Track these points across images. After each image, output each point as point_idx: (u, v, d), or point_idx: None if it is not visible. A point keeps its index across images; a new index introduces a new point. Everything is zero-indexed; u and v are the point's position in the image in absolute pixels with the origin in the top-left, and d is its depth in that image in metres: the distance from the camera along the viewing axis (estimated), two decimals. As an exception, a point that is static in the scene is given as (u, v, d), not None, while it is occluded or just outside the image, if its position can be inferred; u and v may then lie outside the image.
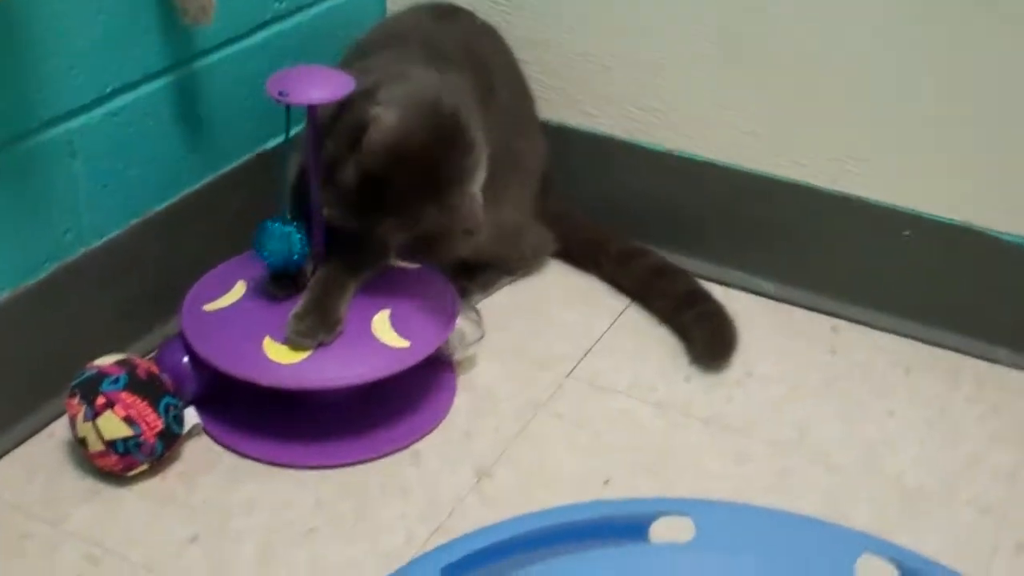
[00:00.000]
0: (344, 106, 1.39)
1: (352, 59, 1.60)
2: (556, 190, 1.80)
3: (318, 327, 1.39)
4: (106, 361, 1.37)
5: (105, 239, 1.48)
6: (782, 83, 1.66)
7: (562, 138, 1.81)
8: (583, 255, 1.80)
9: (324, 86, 1.38)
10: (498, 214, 1.61)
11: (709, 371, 1.61)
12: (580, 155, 1.82)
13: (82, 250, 1.45)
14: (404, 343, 1.43)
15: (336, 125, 1.40)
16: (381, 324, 1.45)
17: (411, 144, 1.37)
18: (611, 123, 1.79)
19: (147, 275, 1.54)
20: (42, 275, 1.40)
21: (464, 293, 1.64)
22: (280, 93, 1.35)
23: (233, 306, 1.46)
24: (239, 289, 1.48)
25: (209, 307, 1.47)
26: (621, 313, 1.72)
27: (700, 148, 1.75)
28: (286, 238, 1.41)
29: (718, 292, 1.73)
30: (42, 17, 1.31)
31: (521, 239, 1.74)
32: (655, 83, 1.74)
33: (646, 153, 1.78)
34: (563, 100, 1.81)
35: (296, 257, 1.42)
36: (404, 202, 1.39)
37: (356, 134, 1.36)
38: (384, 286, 1.50)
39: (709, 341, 1.63)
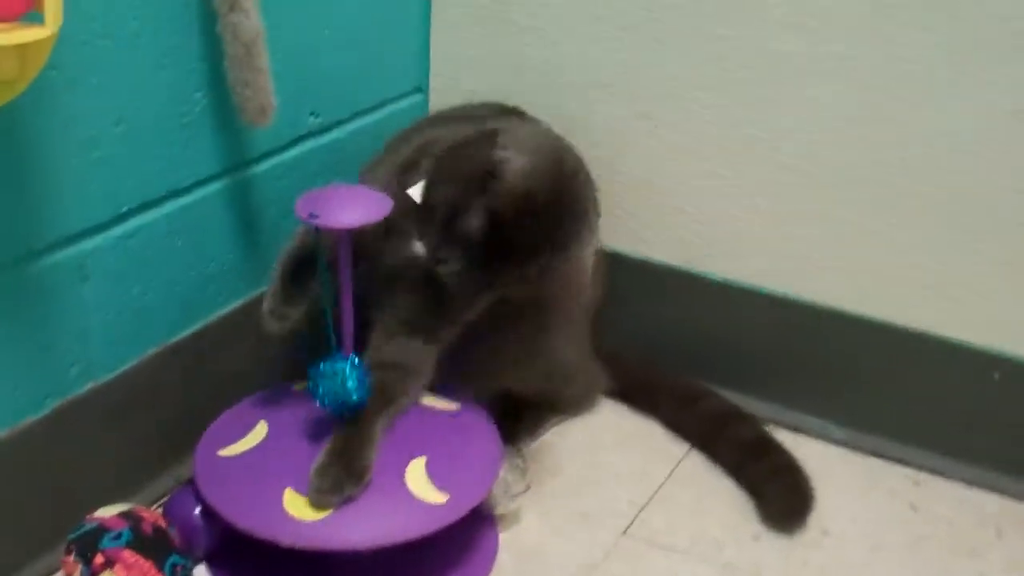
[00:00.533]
0: (458, 152, 1.30)
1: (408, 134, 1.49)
2: (611, 323, 1.66)
3: (343, 480, 1.24)
4: (108, 512, 1.23)
5: (116, 373, 1.34)
6: (854, 209, 1.53)
7: (614, 266, 1.68)
8: (641, 396, 1.66)
9: (359, 208, 1.25)
10: (549, 347, 1.51)
11: (782, 532, 1.45)
12: (633, 284, 1.69)
13: (90, 384, 1.31)
14: (441, 498, 1.27)
15: (453, 170, 1.29)
16: (416, 474, 1.29)
17: (543, 190, 1.26)
18: (667, 250, 1.66)
19: (162, 413, 1.40)
20: (44, 412, 1.26)
21: (510, 436, 1.49)
22: (310, 215, 1.23)
23: (252, 451, 1.32)
24: (260, 431, 1.34)
25: (225, 452, 1.32)
26: (681, 460, 1.57)
27: (763, 279, 1.62)
28: (338, 375, 1.26)
29: (785, 439, 1.59)
30: (53, 124, 1.19)
31: (574, 376, 1.60)
32: (714, 208, 1.61)
33: (705, 283, 1.65)
34: (615, 225, 1.67)
35: (355, 397, 1.27)
36: (532, 250, 1.26)
37: (482, 178, 1.24)
38: (420, 429, 1.36)
39: (783, 499, 1.48)
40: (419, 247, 1.31)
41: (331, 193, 1.27)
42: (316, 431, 1.33)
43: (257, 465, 1.30)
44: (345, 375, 1.26)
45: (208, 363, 1.44)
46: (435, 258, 1.28)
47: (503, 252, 1.25)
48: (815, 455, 1.57)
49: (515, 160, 1.24)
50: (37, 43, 0.97)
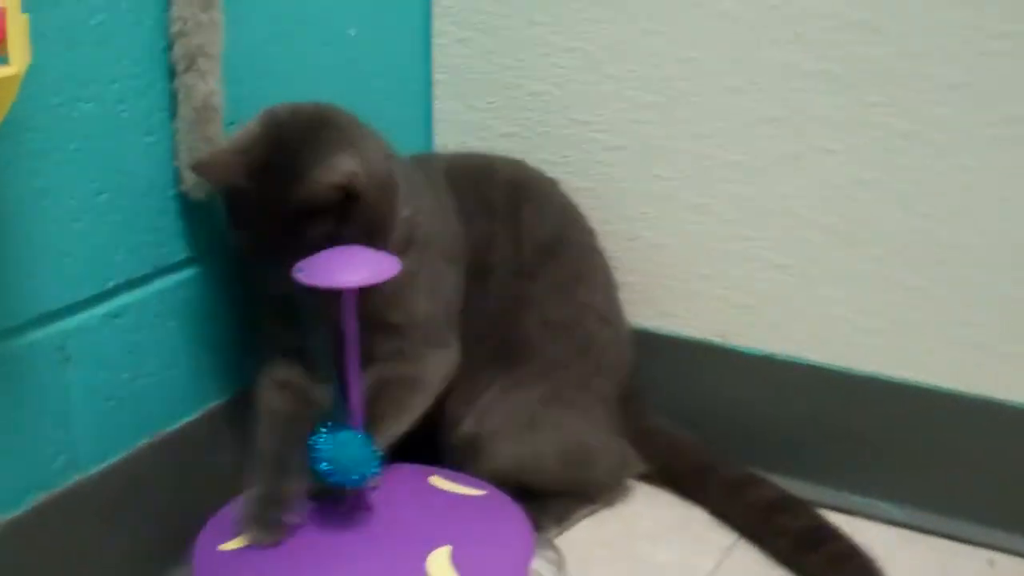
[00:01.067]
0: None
1: None
2: (645, 401, 1.55)
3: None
4: (95, 614, 1.10)
5: (105, 465, 1.23)
6: (903, 270, 1.42)
7: (641, 344, 1.57)
8: (684, 481, 1.52)
9: (358, 268, 1.15)
10: (566, 430, 1.42)
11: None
12: (663, 363, 1.58)
13: (76, 478, 1.20)
14: (469, 590, 1.15)
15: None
16: (439, 565, 1.17)
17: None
18: (699, 325, 1.55)
19: (156, 509, 1.28)
20: (25, 508, 1.15)
21: (535, 526, 1.35)
22: (299, 270, 1.14)
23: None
24: None
25: (226, 546, 1.20)
26: (729, 550, 1.42)
27: (806, 351, 1.50)
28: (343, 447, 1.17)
29: (840, 523, 1.44)
30: (28, 192, 1.11)
31: (594, 461, 1.47)
32: (749, 276, 1.51)
33: (741, 358, 1.53)
34: (641, 300, 1.57)
35: (360, 475, 1.17)
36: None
37: None
38: (443, 515, 1.25)
39: None
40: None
41: (332, 253, 1.18)
42: (326, 522, 1.22)
43: (260, 560, 1.17)
44: (355, 449, 1.16)
45: (205, 455, 1.33)
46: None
47: None
48: (874, 539, 1.41)
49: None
50: (2, 82, 0.90)
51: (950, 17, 1.32)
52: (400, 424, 1.31)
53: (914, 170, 1.39)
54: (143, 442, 1.27)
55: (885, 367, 1.46)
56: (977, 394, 1.42)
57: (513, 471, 1.40)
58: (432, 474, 1.34)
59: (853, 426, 1.49)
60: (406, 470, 1.33)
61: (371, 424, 1.23)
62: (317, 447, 1.16)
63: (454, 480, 1.34)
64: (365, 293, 1.19)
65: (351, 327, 1.18)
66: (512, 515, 1.29)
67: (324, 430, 1.18)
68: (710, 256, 1.52)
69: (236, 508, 1.21)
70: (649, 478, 1.53)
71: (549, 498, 1.43)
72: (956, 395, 1.43)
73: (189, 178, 1.25)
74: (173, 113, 1.25)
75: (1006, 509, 1.42)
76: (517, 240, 1.44)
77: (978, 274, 1.39)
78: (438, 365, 1.36)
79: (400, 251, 1.24)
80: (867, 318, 1.46)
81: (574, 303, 1.46)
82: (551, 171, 1.53)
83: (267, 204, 1.20)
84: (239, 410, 1.37)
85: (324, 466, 1.15)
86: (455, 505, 1.28)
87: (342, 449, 1.16)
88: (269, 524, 1.18)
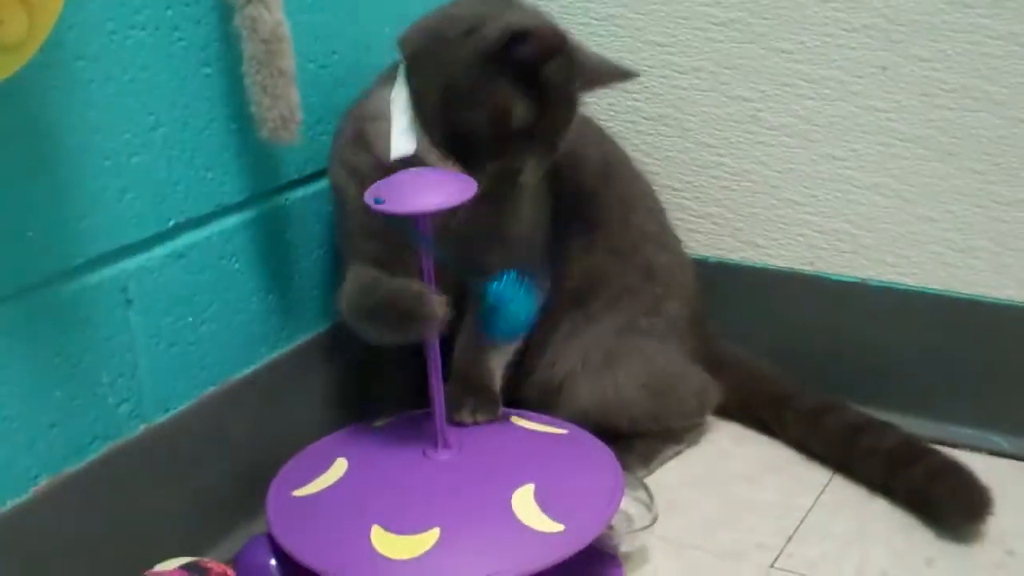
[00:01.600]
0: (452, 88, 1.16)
1: None
2: (716, 331, 1.48)
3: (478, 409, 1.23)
4: (169, 566, 1.05)
5: (171, 414, 1.18)
6: (1003, 183, 1.33)
7: (724, 277, 1.50)
8: (761, 412, 1.45)
9: (435, 192, 1.09)
10: (644, 359, 1.36)
11: (961, 538, 1.24)
12: (749, 297, 1.50)
13: (142, 427, 1.15)
14: (557, 527, 1.08)
15: (462, 101, 1.16)
16: (524, 502, 1.10)
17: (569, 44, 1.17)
18: (786, 254, 1.47)
19: (225, 460, 1.23)
20: (91, 457, 1.10)
21: (623, 468, 1.28)
22: (376, 200, 1.08)
23: (331, 489, 1.15)
24: (339, 468, 1.17)
25: (301, 492, 1.15)
26: (826, 486, 1.35)
27: (903, 275, 1.42)
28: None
29: (944, 455, 1.37)
30: (83, 125, 1.05)
31: (679, 389, 1.40)
32: (839, 199, 1.42)
33: (833, 286, 1.45)
34: (722, 231, 1.49)
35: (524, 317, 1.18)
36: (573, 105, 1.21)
37: (494, 68, 1.13)
38: (526, 454, 1.19)
39: (954, 497, 1.26)
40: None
41: (406, 177, 1.12)
42: (401, 464, 1.17)
43: (338, 503, 1.12)
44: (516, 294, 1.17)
45: (275, 404, 1.28)
46: (513, 172, 1.18)
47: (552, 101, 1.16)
48: (981, 470, 1.33)
49: (504, 19, 1.14)
50: (45, -5, 0.84)
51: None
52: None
53: (1011, 74, 1.30)
54: (210, 390, 1.21)
55: (988, 288, 1.38)
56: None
57: (595, 410, 1.34)
58: (513, 415, 1.28)
59: (956, 353, 1.40)
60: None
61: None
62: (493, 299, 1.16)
63: (536, 420, 1.28)
64: (480, 206, 1.14)
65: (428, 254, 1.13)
66: (598, 454, 1.22)
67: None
68: (796, 180, 1.44)
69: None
70: (726, 410, 1.46)
71: (635, 439, 1.37)
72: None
73: (268, 120, 1.17)
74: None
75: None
76: (575, 167, 1.36)
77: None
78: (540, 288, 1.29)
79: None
80: (966, 237, 1.37)
81: (632, 228, 1.39)
82: (623, 97, 1.45)
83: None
84: (308, 356, 1.31)
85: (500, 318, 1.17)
86: (538, 443, 1.22)
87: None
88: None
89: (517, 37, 1.11)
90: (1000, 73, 1.30)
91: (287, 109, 1.17)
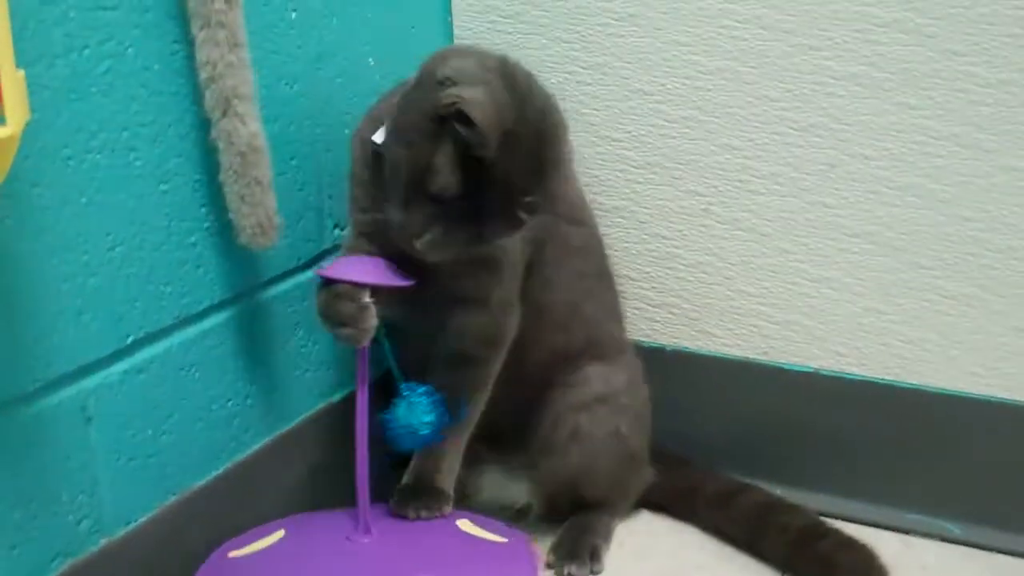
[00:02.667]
0: (409, 103, 1.18)
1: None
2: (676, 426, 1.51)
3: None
4: None
5: (132, 526, 1.19)
6: (947, 278, 1.37)
7: (681, 365, 1.52)
8: (674, 498, 1.48)
9: (372, 271, 1.20)
10: (618, 432, 1.40)
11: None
12: (705, 384, 1.53)
13: (102, 542, 1.16)
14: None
15: (406, 124, 1.17)
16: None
17: (511, 118, 1.14)
18: (740, 344, 1.50)
19: (188, 569, 1.23)
20: (52, 575, 1.11)
21: (595, 553, 1.38)
22: (318, 266, 1.18)
23: (259, 554, 1.20)
24: (275, 536, 1.23)
25: (236, 553, 1.20)
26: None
27: (854, 365, 1.45)
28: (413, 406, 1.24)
29: (894, 541, 1.41)
30: (40, 249, 1.06)
31: (639, 468, 1.46)
32: (790, 291, 1.45)
33: (787, 375, 1.48)
34: (678, 320, 1.52)
35: (426, 430, 1.24)
36: (521, 184, 1.15)
37: (441, 125, 1.13)
38: (440, 553, 1.23)
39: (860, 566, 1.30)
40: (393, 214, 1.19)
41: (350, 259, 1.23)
42: (323, 542, 1.24)
43: (267, 566, 1.18)
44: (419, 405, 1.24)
45: (236, 509, 1.29)
46: (408, 232, 1.17)
47: (489, 197, 1.14)
48: (933, 558, 1.38)
49: (470, 93, 1.12)
50: (-1, 143, 0.86)
51: (988, 13, 1.26)
52: (485, 386, 1.32)
53: (955, 174, 1.33)
54: (170, 500, 1.23)
55: (936, 378, 1.41)
56: (1028, 402, 1.36)
57: (568, 473, 1.39)
58: (463, 518, 1.30)
59: (907, 442, 1.44)
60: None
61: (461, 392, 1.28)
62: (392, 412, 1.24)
63: (483, 525, 1.29)
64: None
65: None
66: (517, 569, 1.24)
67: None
68: (749, 272, 1.47)
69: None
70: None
71: (591, 515, 1.42)
72: (1009, 405, 1.38)
73: (247, 227, 1.20)
74: (202, 158, 1.21)
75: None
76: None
77: (1027, 278, 1.33)
78: (514, 324, 1.32)
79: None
80: (912, 329, 1.40)
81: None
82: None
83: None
84: (269, 459, 1.33)
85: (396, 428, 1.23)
86: (460, 547, 1.24)
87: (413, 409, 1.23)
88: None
89: (461, 117, 1.12)
90: (944, 172, 1.33)
91: (264, 216, 1.21)
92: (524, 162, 1.14)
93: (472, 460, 1.35)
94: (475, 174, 1.13)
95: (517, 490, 1.42)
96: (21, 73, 0.87)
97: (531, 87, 1.18)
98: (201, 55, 1.16)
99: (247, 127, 1.18)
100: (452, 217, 1.15)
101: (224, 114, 1.17)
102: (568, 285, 1.38)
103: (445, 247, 1.17)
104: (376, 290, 1.20)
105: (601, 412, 1.38)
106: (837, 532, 1.34)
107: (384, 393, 1.29)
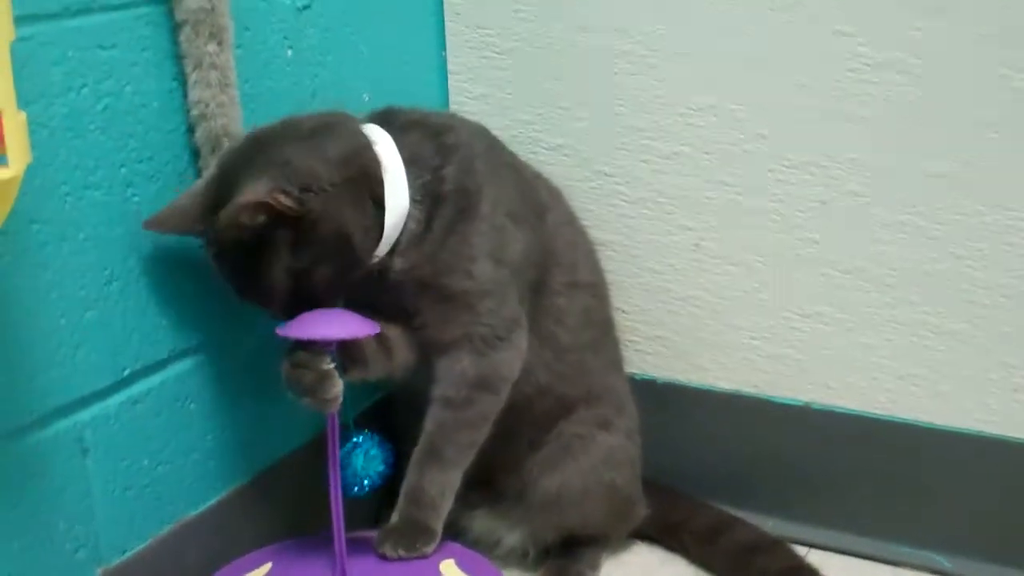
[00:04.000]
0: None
1: None
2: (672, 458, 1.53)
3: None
4: None
5: (128, 555, 1.20)
6: (939, 314, 1.38)
7: (672, 398, 1.54)
8: (664, 531, 1.50)
9: (334, 324, 1.15)
10: (608, 475, 1.40)
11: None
12: (696, 417, 1.54)
13: (99, 571, 1.18)
14: None
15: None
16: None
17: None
18: (732, 377, 1.51)
19: (182, 597, 1.25)
20: (46, 606, 1.13)
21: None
22: (279, 326, 1.15)
23: None
24: (262, 571, 1.23)
25: None
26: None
27: (845, 399, 1.46)
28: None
29: (885, 573, 1.43)
30: (38, 284, 1.09)
31: (631, 508, 1.46)
32: (781, 325, 1.46)
33: (777, 409, 1.49)
34: (669, 353, 1.54)
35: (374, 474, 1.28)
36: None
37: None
38: None
39: None
40: None
41: (318, 313, 1.17)
42: (315, 569, 1.23)
43: None
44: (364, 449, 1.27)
45: (232, 537, 1.30)
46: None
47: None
48: (925, 591, 1.39)
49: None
50: (1, 184, 0.88)
51: (977, 55, 1.28)
52: (477, 438, 1.29)
53: (946, 211, 1.34)
54: (165, 530, 1.24)
55: (926, 413, 1.42)
56: (1017, 438, 1.37)
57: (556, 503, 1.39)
58: (447, 559, 1.27)
59: (897, 476, 1.45)
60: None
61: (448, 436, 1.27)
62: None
63: (468, 568, 1.26)
64: (422, 261, 1.20)
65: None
66: None
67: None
68: (740, 307, 1.48)
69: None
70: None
71: (583, 546, 1.43)
72: (997, 440, 1.38)
73: None
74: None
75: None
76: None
77: (1016, 316, 1.34)
78: (512, 359, 1.29)
79: (443, 217, 1.22)
80: (903, 364, 1.41)
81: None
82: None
83: (219, 245, 1.15)
84: (263, 489, 1.34)
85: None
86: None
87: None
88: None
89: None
90: (935, 210, 1.35)
91: None
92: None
93: (463, 504, 1.34)
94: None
95: (508, 533, 1.43)
96: (23, 115, 0.89)
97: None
98: (193, 95, 1.19)
99: None
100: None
101: (213, 151, 1.20)
102: (575, 325, 1.38)
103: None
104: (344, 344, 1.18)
105: (598, 468, 1.39)
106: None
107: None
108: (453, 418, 1.27)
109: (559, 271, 1.36)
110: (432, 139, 1.24)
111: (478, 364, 1.26)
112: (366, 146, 1.20)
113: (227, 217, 1.11)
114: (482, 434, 1.28)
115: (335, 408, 1.17)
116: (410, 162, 1.21)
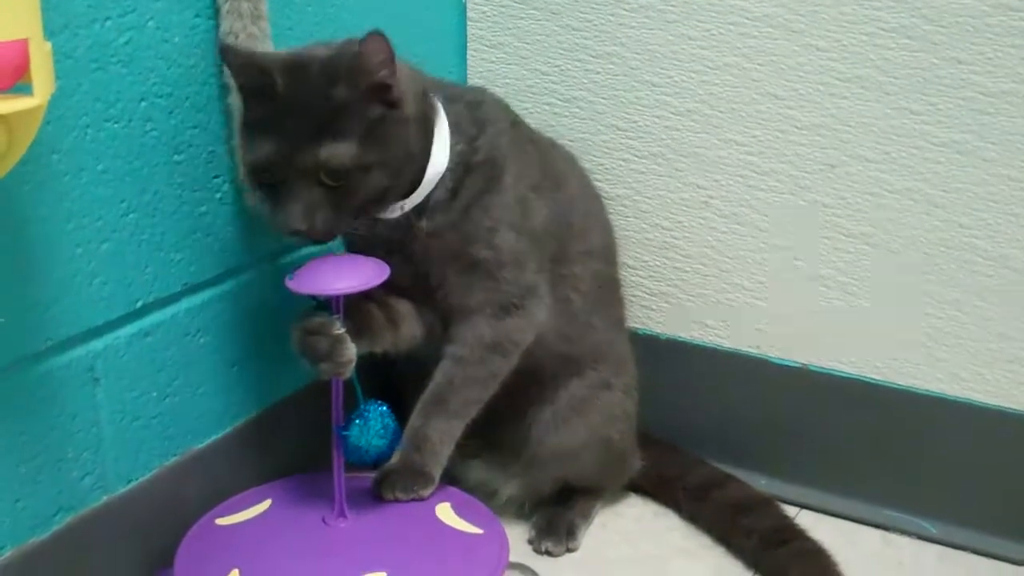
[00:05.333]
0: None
1: None
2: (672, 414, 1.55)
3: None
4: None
5: (133, 484, 1.23)
6: (940, 282, 1.39)
7: (673, 354, 1.55)
8: (659, 485, 1.52)
9: (347, 275, 1.16)
10: (607, 431, 1.43)
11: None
12: (697, 374, 1.56)
13: (104, 498, 1.20)
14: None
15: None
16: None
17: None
18: (733, 336, 1.53)
19: (182, 527, 1.26)
20: (54, 528, 1.15)
21: (572, 531, 1.43)
22: (288, 277, 1.17)
23: (247, 523, 1.23)
24: (262, 507, 1.26)
25: (223, 520, 1.23)
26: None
27: (843, 363, 1.48)
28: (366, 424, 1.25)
29: (874, 537, 1.45)
30: (56, 214, 1.10)
31: (625, 461, 1.49)
32: (785, 287, 1.48)
33: (776, 369, 1.51)
34: (673, 309, 1.55)
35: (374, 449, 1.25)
36: None
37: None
38: (413, 542, 1.23)
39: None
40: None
41: (324, 261, 1.19)
42: (300, 520, 1.25)
43: (233, 542, 1.21)
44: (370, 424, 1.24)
45: (235, 472, 1.32)
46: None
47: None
48: (909, 555, 1.41)
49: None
50: (25, 113, 0.88)
51: (995, 24, 1.29)
52: (483, 395, 1.31)
53: (952, 180, 1.36)
54: (171, 461, 1.26)
55: (922, 380, 1.44)
56: (1017, 409, 1.39)
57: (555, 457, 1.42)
58: (443, 502, 1.29)
59: (889, 440, 1.46)
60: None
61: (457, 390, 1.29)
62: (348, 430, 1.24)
63: (464, 513, 1.28)
64: (446, 228, 1.22)
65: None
66: (486, 558, 1.23)
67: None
68: (745, 267, 1.50)
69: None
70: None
71: (576, 495, 1.46)
72: (994, 410, 1.40)
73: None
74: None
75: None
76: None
77: (1017, 287, 1.36)
78: (526, 326, 1.31)
79: (470, 187, 1.24)
80: (903, 330, 1.43)
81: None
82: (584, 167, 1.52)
83: (300, 98, 1.13)
84: (268, 426, 1.36)
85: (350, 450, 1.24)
86: (435, 537, 1.24)
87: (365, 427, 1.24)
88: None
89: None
90: (942, 178, 1.36)
91: None
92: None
93: (463, 453, 1.36)
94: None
95: (505, 484, 1.45)
96: (49, 45, 0.90)
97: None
98: (224, 25, 1.20)
99: None
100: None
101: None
102: (587, 290, 1.39)
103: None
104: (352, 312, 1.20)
105: (597, 425, 1.42)
106: (800, 540, 1.38)
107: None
108: (463, 374, 1.29)
109: (576, 241, 1.38)
110: (471, 110, 1.28)
111: (494, 328, 1.29)
112: (428, 94, 1.24)
113: (369, 49, 1.11)
114: (489, 392, 1.31)
115: (349, 372, 1.20)
116: (453, 128, 1.24)
